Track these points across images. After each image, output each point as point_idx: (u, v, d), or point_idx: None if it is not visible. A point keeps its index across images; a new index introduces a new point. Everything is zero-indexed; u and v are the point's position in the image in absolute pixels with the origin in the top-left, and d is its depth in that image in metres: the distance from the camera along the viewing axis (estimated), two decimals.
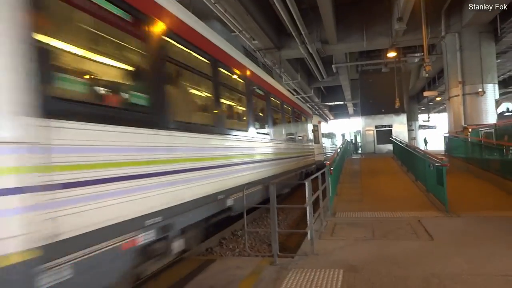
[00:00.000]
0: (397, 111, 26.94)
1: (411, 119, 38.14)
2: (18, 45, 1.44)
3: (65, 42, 1.83)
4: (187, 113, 3.72)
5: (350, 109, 45.49)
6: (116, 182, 2.09)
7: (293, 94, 32.71)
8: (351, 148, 27.20)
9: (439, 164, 7.42)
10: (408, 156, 12.40)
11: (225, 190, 4.35)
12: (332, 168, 7.72)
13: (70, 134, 1.82)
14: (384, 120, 27.77)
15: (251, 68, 6.23)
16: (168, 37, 3.06)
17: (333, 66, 23.54)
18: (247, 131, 5.56)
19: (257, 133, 6.18)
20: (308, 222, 5.56)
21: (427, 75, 14.47)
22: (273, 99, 7.78)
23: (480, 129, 12.52)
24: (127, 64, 2.60)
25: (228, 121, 4.78)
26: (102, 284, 1.93)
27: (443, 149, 18.14)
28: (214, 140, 4.14)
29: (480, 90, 17.04)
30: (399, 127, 27.39)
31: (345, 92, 33.73)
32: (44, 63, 1.59)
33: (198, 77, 3.91)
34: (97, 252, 1.90)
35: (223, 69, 4.61)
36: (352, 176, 12.65)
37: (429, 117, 39.16)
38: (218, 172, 4.10)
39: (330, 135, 23.68)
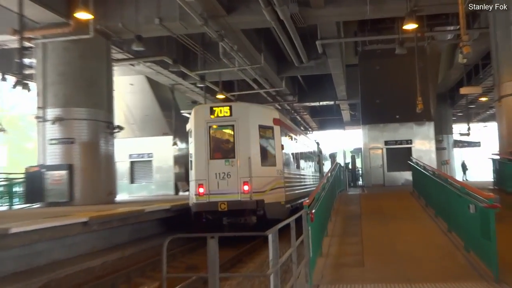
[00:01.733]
0: (419, 119, 27.46)
1: (442, 131, 39.14)
2: (280, 147, 16.98)
3: (286, 146, 17.95)
4: (296, 163, 21.27)
5: (345, 114, 45.63)
6: (295, 187, 19.48)
7: (254, 88, 31.94)
8: (346, 177, 27.93)
9: (484, 205, 7.57)
10: (436, 191, 12.85)
11: (302, 195, 20.12)
12: (313, 211, 7.96)
13: (287, 173, 17.94)
14: (400, 132, 28.33)
15: (307, 137, 26.31)
16: (290, 136, 19.89)
17: (317, 42, 23.79)
18: (307, 169, 24.29)
19: (308, 169, 24.55)
20: None
21: (465, 61, 14.88)
22: (311, 150, 26.65)
23: None
24: (291, 149, 19.83)
25: (302, 165, 23.01)
26: (289, 211, 17.09)
27: (492, 180, 18.61)
28: (303, 172, 22.81)
29: None
30: (422, 144, 28.11)
31: (337, 86, 33.41)
32: (283, 152, 17.37)
33: (297, 147, 21.80)
34: (291, 204, 17.59)
35: (300, 140, 22.49)
36: (348, 223, 12.91)
37: (469, 129, 40.17)
38: (301, 186, 21.47)
39: (307, 156, 25.26)
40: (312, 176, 25.50)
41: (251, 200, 15.74)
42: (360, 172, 35.66)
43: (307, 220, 7.62)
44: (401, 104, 27.95)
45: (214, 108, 16.73)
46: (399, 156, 27.97)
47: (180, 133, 34.06)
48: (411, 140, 28.67)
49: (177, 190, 32.86)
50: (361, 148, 30.41)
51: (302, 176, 21.96)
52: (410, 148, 28.38)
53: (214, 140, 16.78)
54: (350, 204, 17.16)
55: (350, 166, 36.36)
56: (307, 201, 8.05)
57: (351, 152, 40.42)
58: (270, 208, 15.74)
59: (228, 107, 16.67)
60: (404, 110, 27.96)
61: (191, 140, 17.17)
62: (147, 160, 33.28)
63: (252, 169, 16.15)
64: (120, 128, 22.26)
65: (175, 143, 32.76)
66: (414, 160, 20.21)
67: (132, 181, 33.46)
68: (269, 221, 15.05)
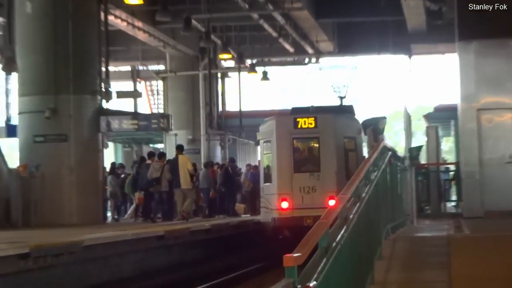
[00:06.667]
0: None
1: None
2: (362, 158, 16.70)
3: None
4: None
5: (412, 11, 26.89)
6: None
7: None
8: (413, 188, 17.93)
9: None
10: None
11: None
12: (313, 284, 4.72)
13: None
14: None
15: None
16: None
17: None
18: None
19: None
20: None
21: None
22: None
23: None
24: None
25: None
26: None
27: None
28: None
29: None
30: None
31: None
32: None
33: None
34: None
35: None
36: None
37: None
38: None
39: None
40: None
41: None
42: (452, 175, 24.67)
43: None
44: None
45: (297, 120, 19.16)
46: None
47: None
48: None
49: None
50: (455, 109, 20.64)
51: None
52: None
53: (298, 152, 19.45)
54: (421, 265, 10.55)
55: (425, 159, 25.36)
56: (296, 255, 4.36)
57: (426, 119, 28.45)
58: None
59: (313, 118, 19.07)
60: None
61: (270, 151, 19.57)
62: None
63: (338, 183, 17.71)
64: None
65: None
66: None
67: None
68: None
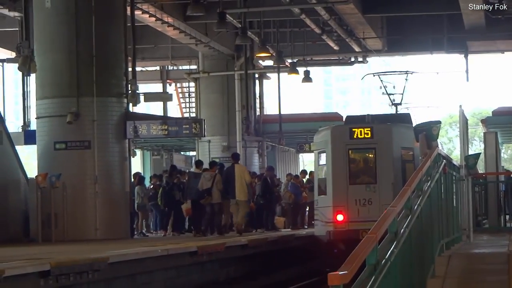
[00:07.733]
0: None
1: None
2: None
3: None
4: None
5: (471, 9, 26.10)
6: None
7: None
8: (469, 200, 17.45)
9: None
10: None
11: None
12: None
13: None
14: None
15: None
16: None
17: None
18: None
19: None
20: None
21: None
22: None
23: None
24: None
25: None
26: None
27: None
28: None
29: None
30: None
31: None
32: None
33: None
34: None
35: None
36: None
37: None
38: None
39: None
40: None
41: None
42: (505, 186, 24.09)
43: None
44: None
45: (353, 130, 19.43)
46: None
47: None
48: None
49: None
50: None
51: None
52: None
53: (354, 164, 19.70)
54: (478, 285, 10.69)
55: (483, 168, 25.22)
56: (342, 273, 4.19)
57: (484, 124, 28.42)
58: None
59: (369, 129, 19.42)
60: None
61: (325, 162, 19.79)
62: None
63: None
64: None
65: None
66: None
67: None
68: None
